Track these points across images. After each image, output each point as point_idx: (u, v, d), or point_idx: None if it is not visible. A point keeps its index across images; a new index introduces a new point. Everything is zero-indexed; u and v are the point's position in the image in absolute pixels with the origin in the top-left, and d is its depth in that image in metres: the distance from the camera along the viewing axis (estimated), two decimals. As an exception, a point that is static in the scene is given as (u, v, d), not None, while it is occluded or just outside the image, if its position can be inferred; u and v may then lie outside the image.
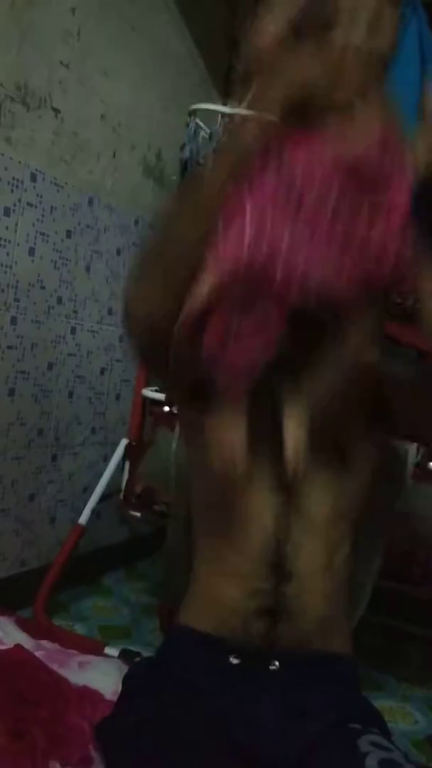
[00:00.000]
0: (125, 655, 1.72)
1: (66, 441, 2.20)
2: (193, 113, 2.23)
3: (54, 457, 2.16)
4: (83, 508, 2.13)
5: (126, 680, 1.16)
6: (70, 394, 2.19)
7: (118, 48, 2.17)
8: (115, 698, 1.25)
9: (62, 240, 2.04)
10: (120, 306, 2.33)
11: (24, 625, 1.70)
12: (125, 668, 1.54)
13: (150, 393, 2.20)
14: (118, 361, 2.41)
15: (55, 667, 1.52)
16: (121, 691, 1.14)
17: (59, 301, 2.06)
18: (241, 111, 2.15)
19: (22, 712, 1.27)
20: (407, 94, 1.95)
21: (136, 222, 2.39)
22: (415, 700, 1.91)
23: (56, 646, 1.68)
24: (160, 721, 0.95)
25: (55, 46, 1.91)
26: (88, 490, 2.26)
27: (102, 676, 1.51)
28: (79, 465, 2.28)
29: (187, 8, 2.49)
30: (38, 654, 1.59)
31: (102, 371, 2.33)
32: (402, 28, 2.02)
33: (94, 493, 2.16)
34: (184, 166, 2.21)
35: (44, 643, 1.68)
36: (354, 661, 1.08)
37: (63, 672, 1.50)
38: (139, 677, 1.13)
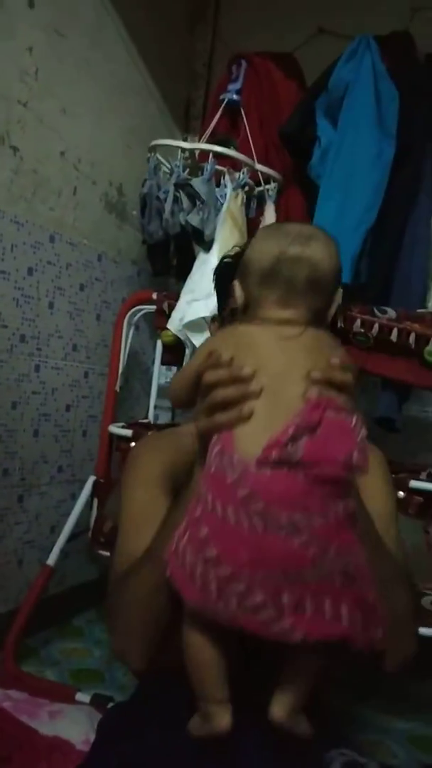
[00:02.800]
0: (97, 701, 1.68)
1: (32, 480, 2.16)
2: (153, 149, 2.24)
3: (20, 498, 2.11)
4: (51, 549, 2.09)
5: (100, 727, 1.14)
6: (36, 433, 2.15)
7: (76, 85, 2.18)
8: (86, 747, 1.22)
9: (24, 278, 2.02)
10: (84, 342, 2.31)
11: (-9, 675, 1.65)
12: (97, 715, 1.50)
13: (116, 429, 2.18)
14: (84, 397, 2.38)
15: (24, 717, 1.48)
16: (96, 738, 1.12)
17: (22, 339, 2.04)
18: (201, 146, 2.19)
19: (-10, 768, 1.23)
20: (363, 128, 2.00)
21: (99, 257, 2.39)
22: (393, 732, 1.88)
23: (25, 695, 1.64)
24: (144, 765, 0.93)
25: (12, 85, 1.91)
26: (56, 530, 2.22)
27: (73, 725, 1.47)
28: (46, 504, 2.24)
29: (144, 43, 2.51)
30: (7, 705, 1.55)
31: (68, 408, 2.30)
32: (356, 63, 2.07)
33: (63, 532, 2.12)
34: (144, 201, 2.22)
35: (13, 693, 1.64)
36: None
37: (33, 723, 1.46)
38: (114, 722, 1.11)
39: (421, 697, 2.13)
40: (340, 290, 0.98)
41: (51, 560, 2.06)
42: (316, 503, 0.78)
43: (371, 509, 1.01)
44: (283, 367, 0.85)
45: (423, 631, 1.59)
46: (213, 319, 1.18)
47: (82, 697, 1.70)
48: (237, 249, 1.16)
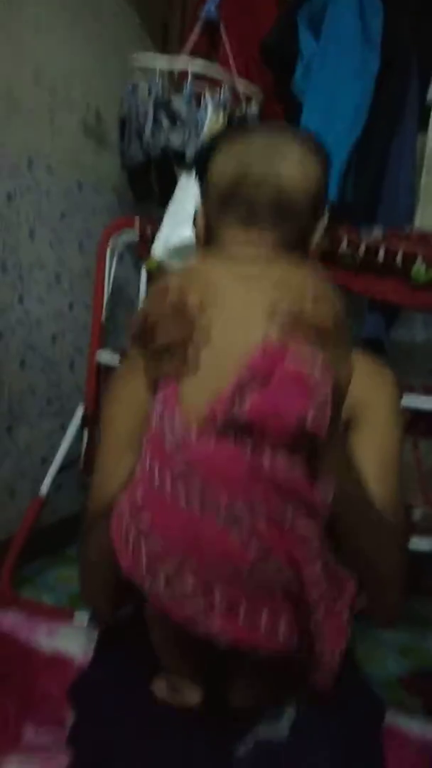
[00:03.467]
0: (95, 623, 1.71)
1: (20, 412, 2.16)
2: (132, 69, 2.17)
3: (9, 430, 2.11)
4: (42, 480, 2.10)
5: (99, 639, 1.16)
6: (22, 364, 2.14)
7: (48, 5, 2.08)
8: (85, 663, 1.24)
9: (2, 205, 1.97)
10: (67, 272, 2.27)
11: (-11, 599, 1.68)
12: (95, 635, 1.53)
13: (104, 356, 2.16)
14: (69, 329, 2.36)
15: (23, 636, 1.50)
16: (95, 650, 1.14)
17: (3, 268, 2.00)
18: (179, 63, 2.12)
19: (-8, 685, 1.25)
20: (346, 40, 1.93)
21: (79, 185, 2.33)
22: (385, 644, 1.94)
23: (23, 616, 1.66)
24: (131, 673, 0.95)
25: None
26: (46, 461, 2.22)
27: (71, 642, 1.49)
28: (35, 436, 2.24)
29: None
30: (5, 625, 1.57)
31: (53, 339, 2.28)
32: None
33: (53, 463, 2.13)
34: (123, 123, 2.16)
35: (10, 614, 1.66)
36: None
37: (31, 641, 1.48)
38: (112, 634, 1.13)
39: (413, 612, 2.18)
40: (326, 213, 0.86)
41: (43, 490, 2.08)
42: (259, 493, 0.68)
43: (372, 445, 0.92)
44: (242, 307, 0.73)
45: (413, 543, 1.62)
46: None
47: (81, 617, 1.73)
48: (219, 127, 1.01)
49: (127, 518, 0.73)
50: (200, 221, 0.87)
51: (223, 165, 0.82)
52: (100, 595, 0.92)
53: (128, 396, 0.95)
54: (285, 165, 0.80)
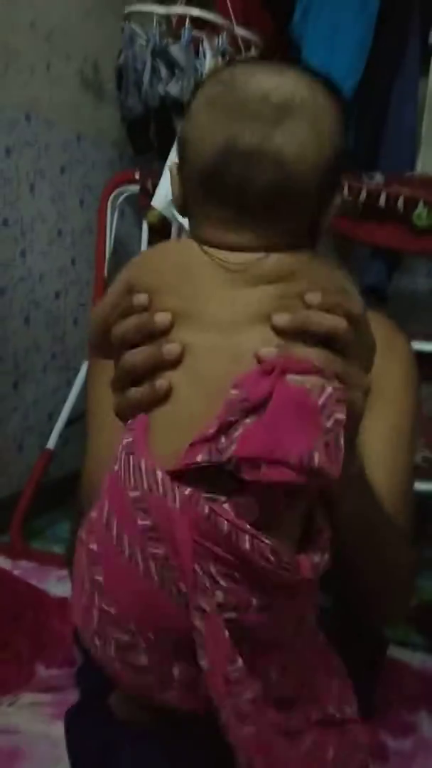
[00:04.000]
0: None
1: (26, 368, 2.18)
2: (128, 17, 2.14)
3: (15, 385, 2.13)
4: (50, 434, 2.12)
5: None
6: (26, 320, 2.15)
7: None
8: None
9: (1, 159, 1.97)
10: (69, 227, 2.27)
11: (0, 549, 1.71)
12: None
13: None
14: (72, 284, 2.36)
15: (34, 582, 1.54)
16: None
17: (5, 223, 2.00)
18: (177, 8, 2.08)
19: (4, 625, 1.29)
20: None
21: (78, 139, 2.31)
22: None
23: (34, 564, 1.70)
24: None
25: None
26: (53, 416, 2.24)
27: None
28: (42, 391, 2.26)
29: None
30: (16, 573, 1.61)
31: (57, 295, 2.29)
32: None
33: (60, 417, 2.15)
34: (120, 73, 2.14)
35: (22, 563, 1.70)
36: None
37: (42, 586, 1.52)
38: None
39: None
40: (341, 188, 0.66)
41: (51, 444, 2.10)
42: (244, 574, 0.54)
43: (383, 425, 0.82)
44: (227, 313, 0.56)
45: (416, 485, 1.64)
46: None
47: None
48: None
49: (83, 564, 0.60)
50: (176, 189, 0.65)
51: (205, 127, 0.60)
52: None
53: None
54: (289, 130, 0.58)
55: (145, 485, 0.55)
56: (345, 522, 0.64)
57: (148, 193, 2.16)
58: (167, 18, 2.09)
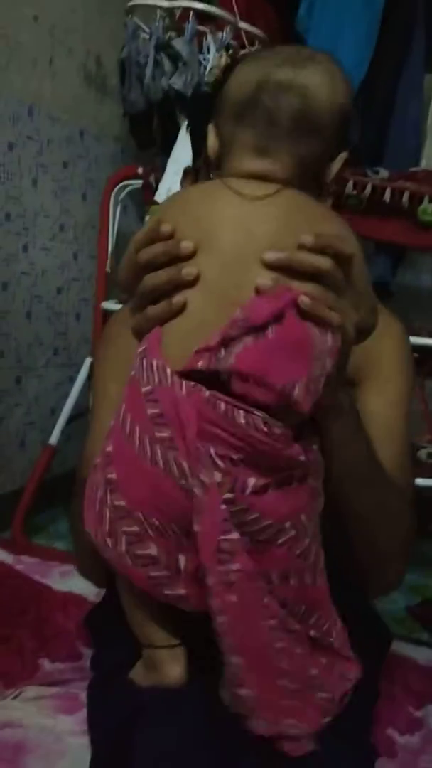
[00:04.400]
0: (107, 564, 1.75)
1: (28, 363, 2.17)
2: (131, 10, 2.13)
3: (18, 380, 2.13)
4: (52, 430, 2.11)
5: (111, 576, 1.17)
6: (29, 315, 2.14)
7: None
8: (98, 600, 1.27)
9: (4, 153, 1.96)
10: (71, 222, 2.26)
11: (2, 545, 1.70)
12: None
13: (110, 305, 2.16)
14: (74, 279, 2.35)
15: (36, 577, 1.53)
16: (106, 591, 1.16)
17: (7, 217, 1.99)
18: (181, 4, 2.07)
19: (8, 620, 1.28)
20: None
21: (81, 133, 2.31)
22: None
23: (36, 560, 1.69)
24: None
25: None
26: (55, 412, 2.24)
27: (84, 582, 1.52)
28: (44, 387, 2.25)
29: None
30: (18, 568, 1.60)
31: (59, 290, 2.28)
32: None
33: (62, 413, 2.14)
34: (123, 67, 2.13)
35: (24, 558, 1.69)
36: None
37: (45, 581, 1.51)
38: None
39: (422, 553, 2.21)
40: (345, 150, 0.73)
41: (53, 440, 2.10)
42: (242, 452, 0.61)
43: (380, 403, 0.87)
44: (239, 243, 0.64)
45: (419, 481, 1.64)
46: (186, 171, 0.89)
47: (92, 561, 1.76)
48: (217, 74, 0.91)
49: (99, 471, 0.68)
50: (212, 141, 0.75)
51: (244, 74, 0.72)
52: (91, 563, 0.87)
53: (117, 357, 0.88)
54: (312, 70, 0.70)
55: (156, 379, 0.63)
56: (346, 470, 0.70)
57: (151, 188, 2.15)
58: (170, 12, 2.08)
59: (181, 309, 0.64)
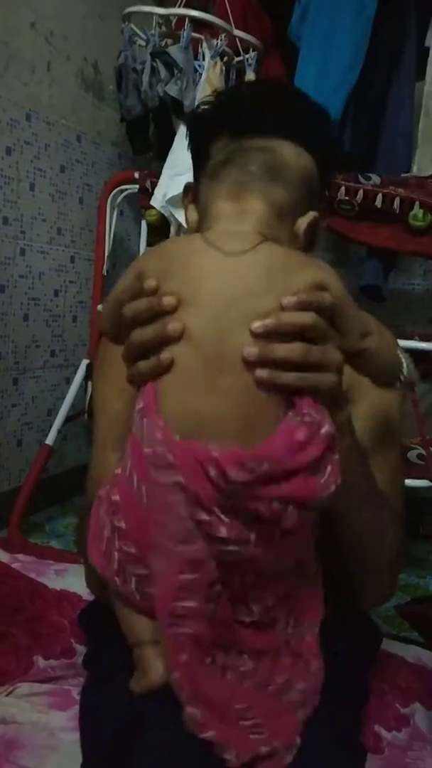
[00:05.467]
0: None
1: (26, 364, 2.19)
2: (127, 17, 2.15)
3: (15, 381, 2.15)
4: (49, 430, 2.14)
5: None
6: (26, 317, 2.17)
7: None
8: (92, 598, 1.28)
9: (2, 158, 1.98)
10: (68, 226, 2.29)
11: (-1, 543, 1.72)
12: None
13: (106, 309, 2.18)
14: (71, 282, 2.38)
15: (32, 575, 1.55)
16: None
17: (5, 221, 2.02)
18: (176, 11, 2.10)
19: (3, 617, 1.30)
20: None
21: (78, 138, 2.33)
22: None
23: (32, 558, 1.71)
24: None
25: None
26: (52, 413, 2.26)
27: (79, 581, 1.53)
28: (41, 388, 2.28)
29: None
30: (14, 566, 1.61)
31: (56, 293, 2.31)
32: None
33: (59, 414, 2.17)
34: (120, 74, 2.15)
35: (20, 556, 1.70)
36: None
37: (40, 580, 1.53)
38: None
39: (411, 555, 2.24)
40: (317, 211, 0.78)
41: (49, 439, 2.12)
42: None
43: (370, 418, 0.89)
44: (222, 298, 0.65)
45: (409, 482, 1.66)
46: (186, 189, 0.88)
47: (87, 560, 1.78)
48: (209, 99, 0.89)
49: (104, 511, 0.70)
50: (191, 214, 0.79)
51: (221, 146, 0.79)
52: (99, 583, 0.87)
53: (117, 374, 0.85)
54: (280, 144, 0.77)
55: (159, 451, 0.64)
56: (344, 489, 0.69)
57: (147, 193, 2.18)
58: (167, 19, 2.10)
59: (170, 365, 0.65)
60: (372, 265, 2.01)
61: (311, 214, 0.76)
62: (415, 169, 2.00)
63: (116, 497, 0.69)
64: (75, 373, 2.22)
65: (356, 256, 2.10)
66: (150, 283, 0.66)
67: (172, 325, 0.65)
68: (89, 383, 2.22)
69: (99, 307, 2.20)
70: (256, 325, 0.64)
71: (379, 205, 1.84)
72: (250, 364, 0.64)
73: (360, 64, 1.89)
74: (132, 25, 2.15)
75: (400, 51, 2.00)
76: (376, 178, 1.85)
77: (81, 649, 1.16)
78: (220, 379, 0.64)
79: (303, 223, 0.76)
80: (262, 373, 0.64)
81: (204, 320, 0.65)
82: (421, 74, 2.03)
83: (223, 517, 0.63)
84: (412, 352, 1.79)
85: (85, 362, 2.23)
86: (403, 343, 1.84)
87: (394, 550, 0.87)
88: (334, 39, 1.88)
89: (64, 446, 2.26)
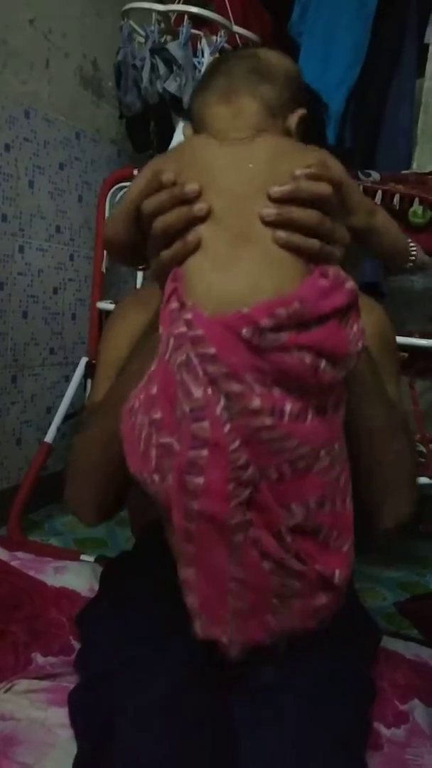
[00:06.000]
0: (101, 561, 1.76)
1: (25, 362, 2.19)
2: (126, 14, 2.15)
3: (14, 378, 2.15)
4: (48, 428, 2.14)
5: (104, 572, 1.20)
6: (25, 314, 2.16)
7: None
8: (92, 596, 1.28)
9: (0, 155, 1.98)
10: (67, 223, 2.28)
11: (-2, 541, 1.72)
12: (100, 571, 1.57)
13: (106, 305, 2.19)
14: (70, 280, 2.37)
15: (31, 573, 1.54)
16: (100, 583, 1.18)
17: (4, 218, 2.02)
18: (175, 7, 2.09)
19: (2, 614, 1.30)
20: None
21: (77, 135, 2.33)
22: (384, 581, 1.99)
23: (31, 556, 1.71)
24: (133, 599, 0.98)
25: None
26: (51, 411, 2.26)
27: (78, 578, 1.54)
28: (40, 386, 2.28)
29: None
30: (14, 563, 1.61)
31: (55, 290, 2.30)
32: None
33: (58, 412, 2.16)
34: (119, 71, 2.15)
35: (19, 554, 1.70)
36: None
37: (39, 577, 1.52)
38: (115, 567, 1.17)
39: (411, 553, 2.24)
40: (305, 107, 0.82)
41: (48, 437, 2.12)
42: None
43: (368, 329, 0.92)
44: (239, 179, 0.68)
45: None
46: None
47: (87, 558, 1.78)
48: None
49: (141, 415, 0.69)
50: (188, 131, 0.84)
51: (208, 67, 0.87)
52: (85, 486, 0.91)
53: (125, 327, 0.95)
54: (263, 50, 0.84)
55: (188, 319, 0.64)
56: (353, 379, 0.72)
57: (146, 190, 2.17)
58: (166, 15, 2.10)
59: (198, 245, 0.66)
60: (372, 262, 2.00)
61: (300, 111, 0.81)
62: (414, 166, 2.00)
63: (154, 390, 0.68)
64: (74, 370, 2.22)
65: (356, 254, 2.09)
66: (169, 176, 0.68)
67: (199, 206, 0.66)
68: (89, 381, 2.21)
69: (98, 304, 2.20)
70: (276, 189, 0.66)
71: (378, 202, 1.84)
72: (268, 225, 0.65)
73: (360, 61, 1.89)
74: (131, 22, 2.14)
75: (401, 48, 2.00)
76: (375, 175, 1.85)
77: (79, 647, 1.16)
78: (245, 251, 0.65)
79: (293, 119, 0.80)
80: (281, 234, 0.65)
81: (224, 199, 0.67)
82: (421, 71, 2.03)
83: (256, 386, 0.62)
84: (411, 350, 1.79)
85: (84, 360, 2.22)
86: (401, 340, 1.83)
87: (407, 460, 0.88)
88: (335, 36, 1.88)
89: (63, 444, 2.25)
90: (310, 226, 0.67)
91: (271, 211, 0.66)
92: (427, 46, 2.05)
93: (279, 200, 0.66)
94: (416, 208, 1.81)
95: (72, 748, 0.88)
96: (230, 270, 0.65)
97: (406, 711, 1.12)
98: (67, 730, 0.96)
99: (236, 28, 2.15)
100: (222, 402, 0.63)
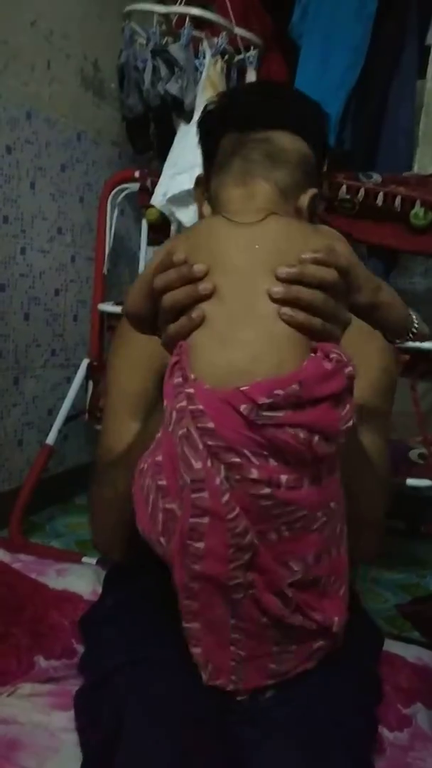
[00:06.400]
0: (103, 563, 1.76)
1: (26, 363, 2.19)
2: (128, 15, 2.15)
3: (15, 380, 2.15)
4: (50, 430, 2.14)
5: (108, 574, 1.20)
6: (26, 316, 2.16)
7: None
8: (94, 599, 1.28)
9: (2, 156, 1.98)
10: (69, 225, 2.29)
11: (0, 543, 1.72)
12: (103, 573, 1.57)
13: (107, 307, 2.19)
14: (72, 281, 2.38)
15: (33, 575, 1.54)
16: (104, 584, 1.18)
17: (5, 220, 2.02)
18: (176, 8, 2.09)
19: (4, 618, 1.30)
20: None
21: (79, 137, 2.33)
22: (385, 583, 1.99)
23: (33, 558, 1.71)
24: (139, 599, 0.99)
25: None
26: (53, 412, 2.26)
27: (80, 581, 1.54)
28: (42, 387, 2.28)
29: None
30: (16, 566, 1.61)
31: (56, 292, 2.31)
32: None
33: (60, 413, 2.17)
34: (121, 73, 2.15)
35: (21, 556, 1.70)
36: None
37: (42, 579, 1.53)
38: (119, 568, 1.17)
39: (412, 554, 2.24)
40: (317, 192, 0.87)
41: (50, 439, 2.12)
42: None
43: (372, 391, 0.95)
44: (247, 260, 0.72)
45: (410, 481, 1.66)
46: (198, 182, 0.96)
47: (89, 560, 1.78)
48: (214, 100, 0.97)
49: (149, 479, 0.73)
50: (205, 209, 0.89)
51: (225, 139, 0.88)
52: (113, 534, 0.95)
53: (132, 353, 0.99)
54: (279, 134, 0.85)
55: (190, 393, 0.68)
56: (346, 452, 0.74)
57: (147, 192, 2.17)
58: (167, 17, 2.10)
59: (201, 320, 0.70)
60: (373, 264, 2.00)
61: (311, 191, 0.85)
62: (416, 168, 2.00)
63: (159, 458, 0.72)
64: (76, 372, 2.22)
65: (357, 255, 2.09)
66: (179, 255, 0.72)
67: (204, 285, 0.70)
68: (90, 383, 2.22)
69: (100, 306, 2.20)
70: (283, 270, 0.69)
71: (380, 204, 1.84)
72: (275, 302, 0.69)
73: (361, 62, 1.88)
74: (133, 24, 2.14)
75: (401, 49, 2.00)
76: (377, 177, 1.85)
77: (82, 650, 1.16)
78: (248, 327, 0.69)
79: (305, 199, 0.84)
80: (287, 310, 0.68)
81: (231, 279, 0.70)
82: (422, 72, 2.02)
83: (253, 459, 0.66)
84: (413, 352, 1.79)
85: (85, 361, 2.22)
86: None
87: (380, 510, 0.94)
88: (335, 38, 1.88)
89: (65, 446, 2.26)
90: (315, 307, 0.70)
91: (279, 289, 0.69)
92: (428, 47, 2.04)
93: (285, 280, 0.69)
94: (418, 210, 1.81)
95: (75, 752, 0.88)
96: (232, 345, 0.69)
97: (408, 715, 1.12)
98: (70, 734, 0.96)
99: (237, 30, 2.15)
100: (222, 472, 0.67)
